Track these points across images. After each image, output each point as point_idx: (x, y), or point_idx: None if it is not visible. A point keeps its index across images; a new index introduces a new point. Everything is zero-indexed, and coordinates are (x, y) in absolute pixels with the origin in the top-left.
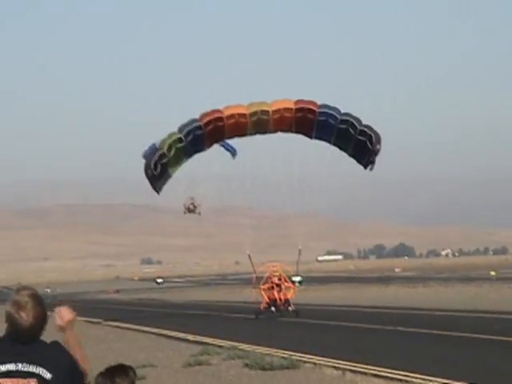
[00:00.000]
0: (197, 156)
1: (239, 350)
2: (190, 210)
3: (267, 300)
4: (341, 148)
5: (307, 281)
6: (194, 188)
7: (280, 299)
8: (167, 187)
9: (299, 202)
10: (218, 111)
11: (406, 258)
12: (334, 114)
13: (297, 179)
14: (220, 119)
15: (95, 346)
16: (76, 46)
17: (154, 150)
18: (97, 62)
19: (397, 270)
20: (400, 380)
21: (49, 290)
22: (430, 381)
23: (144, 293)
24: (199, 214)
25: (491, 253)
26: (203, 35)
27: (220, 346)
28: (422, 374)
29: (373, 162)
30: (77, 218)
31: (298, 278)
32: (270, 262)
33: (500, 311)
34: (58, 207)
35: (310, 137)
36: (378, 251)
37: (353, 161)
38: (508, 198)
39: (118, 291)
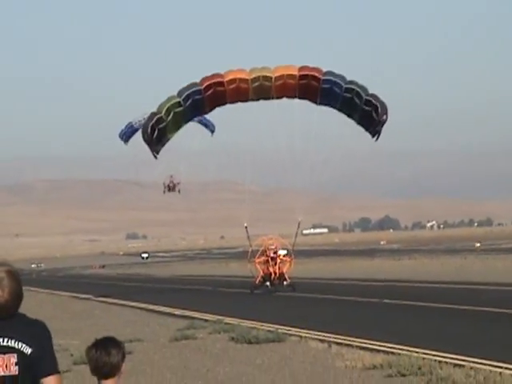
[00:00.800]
0: (180, 131)
1: (225, 323)
2: (170, 188)
3: (262, 274)
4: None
5: (293, 254)
6: (176, 164)
7: (275, 273)
8: (152, 162)
9: (289, 176)
10: (219, 75)
11: (391, 230)
12: (339, 81)
13: (286, 154)
14: (221, 84)
15: (81, 321)
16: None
17: (150, 115)
18: (86, 37)
19: (382, 242)
20: (386, 352)
21: (33, 265)
22: (417, 352)
23: (130, 268)
24: (179, 191)
25: (476, 224)
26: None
27: (206, 320)
28: (408, 346)
29: (378, 132)
30: (60, 194)
31: (282, 252)
32: (266, 235)
33: (485, 282)
34: (41, 183)
35: (315, 103)
36: (363, 224)
37: (339, 134)
38: (493, 170)
39: (103, 266)
